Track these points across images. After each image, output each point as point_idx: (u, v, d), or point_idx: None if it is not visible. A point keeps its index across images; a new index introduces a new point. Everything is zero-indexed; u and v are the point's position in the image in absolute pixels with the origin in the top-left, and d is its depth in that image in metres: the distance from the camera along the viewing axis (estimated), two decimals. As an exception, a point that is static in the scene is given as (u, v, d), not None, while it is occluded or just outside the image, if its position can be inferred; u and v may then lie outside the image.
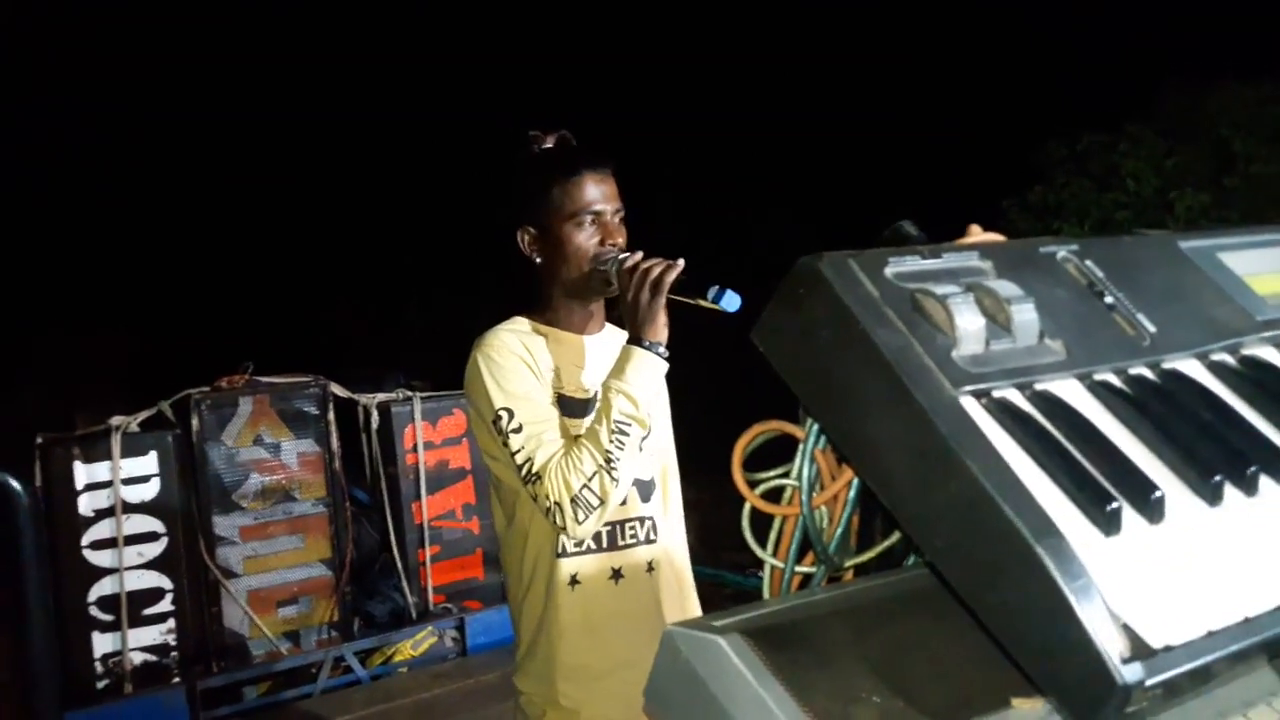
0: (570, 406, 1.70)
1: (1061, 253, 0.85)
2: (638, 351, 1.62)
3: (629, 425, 1.59)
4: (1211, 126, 5.78)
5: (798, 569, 0.99)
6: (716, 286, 1.56)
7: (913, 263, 0.78)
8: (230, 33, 9.38)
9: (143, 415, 3.69)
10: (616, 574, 1.75)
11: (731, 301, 1.55)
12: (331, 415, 4.01)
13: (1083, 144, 6.07)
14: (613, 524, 1.74)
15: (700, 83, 9.50)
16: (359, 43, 9.65)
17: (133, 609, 3.52)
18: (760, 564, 1.01)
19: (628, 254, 1.68)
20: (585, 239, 1.70)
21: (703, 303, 1.57)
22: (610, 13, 9.57)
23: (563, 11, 9.70)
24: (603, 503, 1.58)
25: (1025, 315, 0.76)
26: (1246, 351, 0.86)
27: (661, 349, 1.63)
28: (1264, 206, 5.41)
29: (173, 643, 3.60)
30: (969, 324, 0.73)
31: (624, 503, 1.74)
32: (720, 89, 9.53)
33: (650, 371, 1.62)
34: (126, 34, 9.06)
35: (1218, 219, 5.45)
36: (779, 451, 1.01)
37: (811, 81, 9.13)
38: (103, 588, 3.50)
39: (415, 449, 4.14)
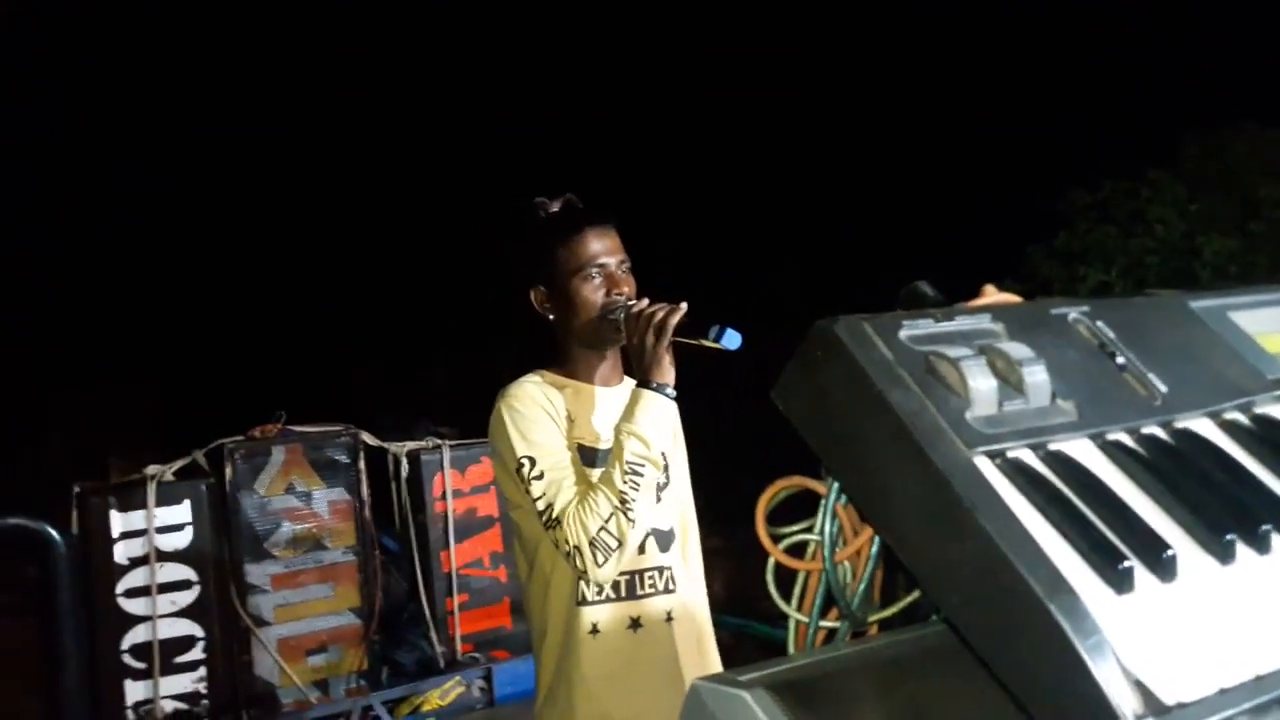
0: (589, 455, 1.75)
1: (1072, 314, 0.88)
2: (645, 394, 1.67)
3: (642, 466, 1.63)
4: (1233, 172, 5.78)
5: (822, 623, 1.01)
6: (717, 326, 1.61)
7: (926, 325, 0.81)
8: (265, 90, 9.63)
9: (178, 464, 3.74)
10: (635, 623, 1.77)
11: (732, 340, 1.60)
12: (362, 464, 4.04)
13: (1105, 191, 6.08)
14: (631, 573, 1.76)
15: (718, 125, 9.60)
16: (384, 105, 9.87)
17: (165, 657, 3.54)
18: (787, 615, 1.03)
19: (634, 301, 1.73)
20: (592, 291, 1.76)
21: (705, 343, 1.63)
22: (618, 66, 9.74)
23: (578, 62, 9.88)
24: (620, 544, 1.61)
25: (1037, 377, 0.78)
26: (1258, 410, 0.87)
27: (669, 390, 1.68)
28: (1291, 251, 5.38)
29: (203, 691, 3.61)
30: (982, 386, 0.75)
31: (642, 552, 1.77)
32: (739, 132, 9.63)
33: (659, 412, 1.67)
34: (167, 83, 9.33)
35: (1245, 264, 5.42)
36: (803, 506, 1.03)
37: (837, 129, 9.21)
38: (136, 635, 3.53)
39: (444, 496, 4.16)
